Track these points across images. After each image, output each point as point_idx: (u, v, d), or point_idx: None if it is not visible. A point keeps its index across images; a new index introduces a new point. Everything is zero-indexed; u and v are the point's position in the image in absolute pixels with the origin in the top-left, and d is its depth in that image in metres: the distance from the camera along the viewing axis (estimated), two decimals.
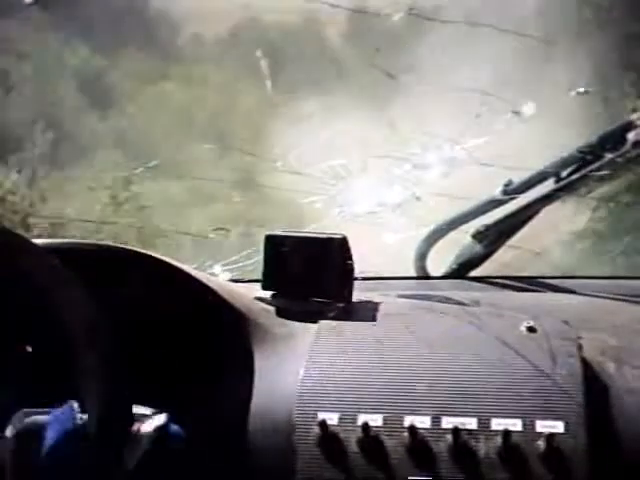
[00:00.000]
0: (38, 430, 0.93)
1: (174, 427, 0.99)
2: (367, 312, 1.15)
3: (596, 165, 1.36)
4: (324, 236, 1.18)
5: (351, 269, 1.20)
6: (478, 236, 1.44)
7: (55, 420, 0.94)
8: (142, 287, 1.13)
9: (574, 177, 1.37)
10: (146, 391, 0.96)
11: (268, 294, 1.19)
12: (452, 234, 1.47)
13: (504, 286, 1.39)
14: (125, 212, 3.84)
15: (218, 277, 1.33)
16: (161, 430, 0.97)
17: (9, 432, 0.95)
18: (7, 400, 1.00)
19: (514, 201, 1.40)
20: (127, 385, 0.95)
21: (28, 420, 0.95)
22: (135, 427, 0.96)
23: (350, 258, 1.19)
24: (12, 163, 3.75)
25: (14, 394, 1.05)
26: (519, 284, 1.40)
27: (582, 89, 1.42)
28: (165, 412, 0.98)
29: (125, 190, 3.88)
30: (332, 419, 1.00)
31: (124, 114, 4.44)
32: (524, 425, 0.98)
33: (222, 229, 1.49)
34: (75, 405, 0.95)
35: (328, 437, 0.99)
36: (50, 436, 0.93)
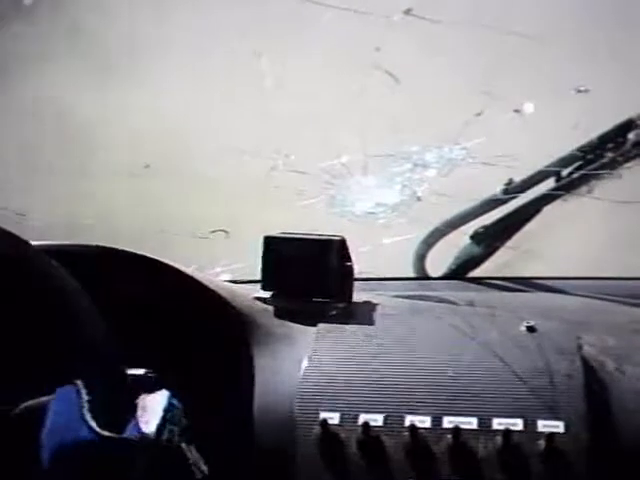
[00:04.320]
0: (39, 410, 0.88)
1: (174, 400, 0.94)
2: (367, 313, 1.15)
3: (596, 165, 1.35)
4: (323, 238, 1.18)
5: (350, 270, 1.20)
6: (477, 236, 1.43)
7: (59, 399, 0.89)
8: (140, 289, 1.13)
9: (574, 177, 1.37)
10: None
11: (268, 294, 1.19)
12: (452, 234, 1.47)
13: (504, 287, 1.39)
14: None
15: (217, 277, 1.33)
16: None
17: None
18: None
19: (514, 201, 1.40)
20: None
21: (30, 402, 0.90)
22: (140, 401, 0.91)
23: (349, 260, 1.19)
24: None
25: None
26: (519, 284, 1.40)
27: (582, 87, 1.42)
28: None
29: None
30: (333, 418, 1.00)
31: None
32: (525, 425, 0.98)
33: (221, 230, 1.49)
34: (80, 384, 0.89)
35: (329, 436, 0.99)
36: (52, 416, 0.87)
